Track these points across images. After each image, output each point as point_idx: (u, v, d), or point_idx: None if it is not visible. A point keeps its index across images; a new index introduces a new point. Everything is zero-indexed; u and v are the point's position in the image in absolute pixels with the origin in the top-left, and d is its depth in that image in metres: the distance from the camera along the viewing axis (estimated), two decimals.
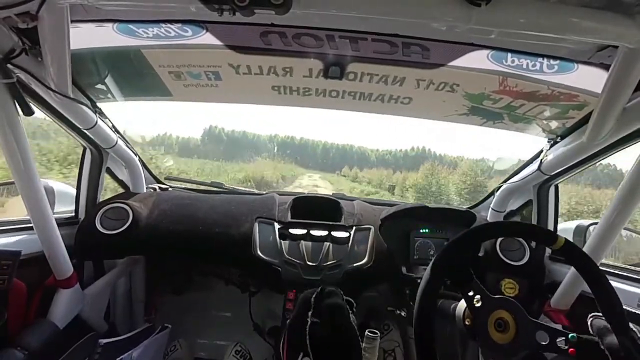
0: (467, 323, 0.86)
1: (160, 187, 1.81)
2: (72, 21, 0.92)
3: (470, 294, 0.83)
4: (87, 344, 1.26)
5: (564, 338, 0.76)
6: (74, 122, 1.27)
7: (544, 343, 0.77)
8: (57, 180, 2.08)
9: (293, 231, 1.43)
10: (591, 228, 1.47)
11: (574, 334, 0.76)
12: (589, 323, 0.75)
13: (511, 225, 1.04)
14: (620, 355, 0.72)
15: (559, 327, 0.93)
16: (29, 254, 1.18)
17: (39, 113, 1.15)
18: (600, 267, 0.86)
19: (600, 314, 0.82)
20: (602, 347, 0.74)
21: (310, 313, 0.88)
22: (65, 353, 1.21)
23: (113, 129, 1.46)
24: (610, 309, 0.78)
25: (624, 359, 0.72)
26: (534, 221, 1.58)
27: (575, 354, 0.75)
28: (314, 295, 0.93)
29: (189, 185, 1.96)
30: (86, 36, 1.07)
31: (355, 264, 1.38)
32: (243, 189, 2.00)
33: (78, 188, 1.56)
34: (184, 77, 1.30)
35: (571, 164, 1.29)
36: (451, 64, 1.13)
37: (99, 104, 1.38)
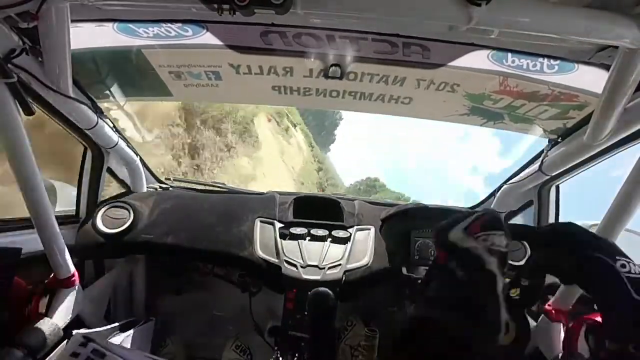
0: None
1: (161, 187, 1.82)
2: (72, 21, 0.92)
3: None
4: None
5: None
6: (74, 122, 1.27)
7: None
8: None
9: (293, 231, 1.43)
10: (592, 229, 1.46)
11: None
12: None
13: None
14: None
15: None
16: (29, 253, 1.18)
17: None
18: None
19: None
20: None
21: None
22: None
23: (114, 129, 1.46)
24: None
25: None
26: (535, 222, 1.58)
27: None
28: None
29: (189, 185, 1.96)
30: (86, 36, 1.08)
31: (355, 264, 1.38)
32: (243, 188, 2.00)
33: (79, 187, 1.56)
34: (184, 77, 1.30)
35: (572, 164, 1.28)
36: (451, 64, 1.12)
37: (99, 104, 1.38)
